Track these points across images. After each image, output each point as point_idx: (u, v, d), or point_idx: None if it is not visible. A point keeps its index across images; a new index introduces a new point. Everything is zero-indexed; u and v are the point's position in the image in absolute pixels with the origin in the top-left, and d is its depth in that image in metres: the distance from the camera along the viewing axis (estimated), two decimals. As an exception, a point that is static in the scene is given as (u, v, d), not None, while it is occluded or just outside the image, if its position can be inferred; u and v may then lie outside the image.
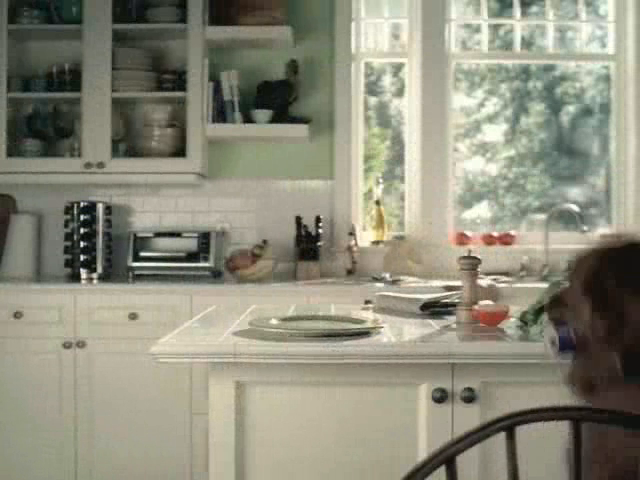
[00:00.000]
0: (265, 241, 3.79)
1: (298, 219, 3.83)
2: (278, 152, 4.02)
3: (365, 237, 4.06)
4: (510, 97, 4.28)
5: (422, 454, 1.82)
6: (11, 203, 3.96)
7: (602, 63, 4.21)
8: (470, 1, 4.22)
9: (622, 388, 1.29)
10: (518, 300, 2.48)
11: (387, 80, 4.28)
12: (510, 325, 2.04)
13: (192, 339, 1.89)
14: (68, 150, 3.83)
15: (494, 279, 3.65)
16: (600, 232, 4.03)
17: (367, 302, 2.83)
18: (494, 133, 4.28)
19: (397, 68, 4.25)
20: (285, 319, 2.09)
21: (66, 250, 3.77)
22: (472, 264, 2.11)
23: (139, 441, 3.40)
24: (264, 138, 3.91)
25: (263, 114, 3.81)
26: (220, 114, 3.81)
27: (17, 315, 3.40)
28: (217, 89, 3.80)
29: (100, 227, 3.79)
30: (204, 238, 3.76)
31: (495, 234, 4.07)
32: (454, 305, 2.25)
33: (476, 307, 2.08)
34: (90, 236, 3.76)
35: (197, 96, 3.72)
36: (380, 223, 4.01)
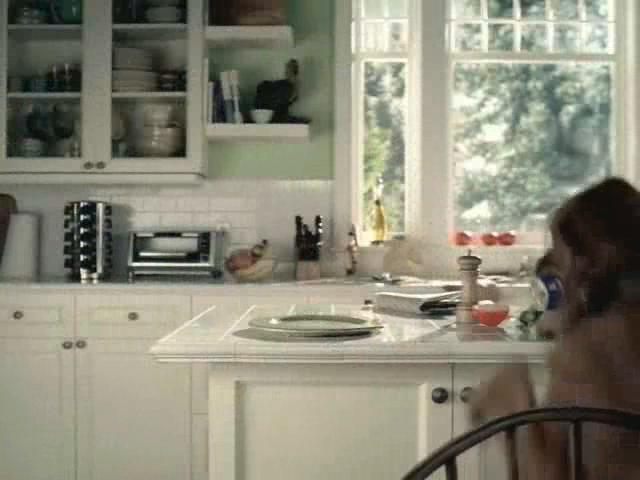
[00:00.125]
0: (265, 241, 3.79)
1: (298, 219, 3.83)
2: (278, 152, 4.02)
3: (365, 237, 4.06)
4: (510, 97, 4.28)
5: (422, 454, 1.82)
6: (11, 203, 3.96)
7: (602, 63, 4.21)
8: (470, 1, 4.22)
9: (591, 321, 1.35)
10: (518, 300, 2.48)
11: (387, 80, 4.28)
12: (510, 325, 2.04)
13: (192, 339, 1.89)
14: (68, 150, 3.82)
15: (494, 279, 3.64)
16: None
17: (367, 302, 2.83)
18: (494, 133, 4.28)
19: (397, 68, 4.25)
20: (285, 319, 2.09)
21: (66, 250, 3.77)
22: (472, 264, 2.11)
23: (139, 441, 3.39)
24: (264, 138, 3.91)
25: (263, 114, 3.81)
26: (220, 114, 3.81)
27: (17, 315, 3.40)
28: (217, 89, 3.80)
29: (100, 227, 3.79)
30: (204, 238, 3.76)
31: (495, 234, 4.06)
32: (454, 305, 2.25)
33: (476, 307, 2.08)
34: (90, 236, 3.76)
35: (197, 96, 3.72)
36: (380, 223, 4.01)
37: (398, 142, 4.22)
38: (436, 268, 3.88)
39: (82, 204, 3.77)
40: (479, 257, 2.13)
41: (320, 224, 3.84)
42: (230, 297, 3.34)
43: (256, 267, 3.64)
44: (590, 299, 1.35)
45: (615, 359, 1.29)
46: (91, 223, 3.77)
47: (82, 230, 3.75)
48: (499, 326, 2.04)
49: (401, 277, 3.66)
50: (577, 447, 1.06)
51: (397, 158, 4.22)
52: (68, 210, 3.78)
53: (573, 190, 1.51)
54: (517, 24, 4.18)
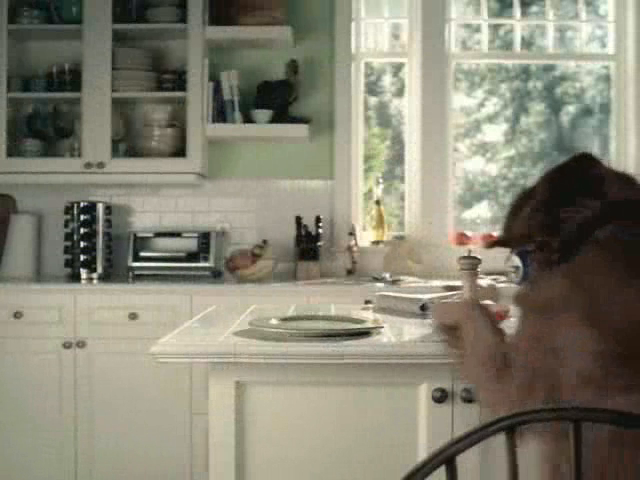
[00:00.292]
0: (265, 241, 3.79)
1: (298, 219, 3.83)
2: (278, 152, 4.02)
3: (365, 237, 4.06)
4: (510, 97, 4.28)
5: (422, 454, 1.82)
6: (11, 203, 3.96)
7: (602, 63, 4.21)
8: (470, 1, 4.22)
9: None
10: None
11: (387, 80, 4.28)
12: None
13: (192, 339, 1.89)
14: (68, 150, 3.83)
15: (494, 279, 3.64)
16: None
17: (367, 302, 2.82)
18: (494, 133, 4.28)
19: (397, 68, 4.25)
20: (285, 319, 2.09)
21: (66, 250, 3.77)
22: (472, 264, 2.11)
23: (139, 441, 3.39)
24: (264, 138, 3.91)
25: (263, 114, 3.81)
26: (220, 114, 3.81)
27: (17, 315, 3.40)
28: (217, 89, 3.80)
29: (100, 227, 3.79)
30: (204, 238, 3.76)
31: (495, 234, 4.06)
32: (454, 305, 2.24)
33: (476, 307, 2.07)
34: (90, 236, 3.76)
35: (197, 96, 3.72)
36: (380, 223, 4.01)
37: (398, 142, 4.22)
38: (436, 268, 3.88)
39: (82, 204, 3.77)
40: (479, 257, 2.13)
41: (320, 224, 3.84)
42: (230, 297, 3.34)
43: (256, 267, 3.64)
44: (563, 246, 1.36)
45: (595, 283, 1.28)
46: (91, 223, 3.77)
47: (82, 230, 3.75)
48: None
49: (401, 277, 3.66)
50: (577, 447, 1.05)
51: (397, 158, 4.22)
52: (68, 210, 3.78)
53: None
54: (517, 24, 4.18)
